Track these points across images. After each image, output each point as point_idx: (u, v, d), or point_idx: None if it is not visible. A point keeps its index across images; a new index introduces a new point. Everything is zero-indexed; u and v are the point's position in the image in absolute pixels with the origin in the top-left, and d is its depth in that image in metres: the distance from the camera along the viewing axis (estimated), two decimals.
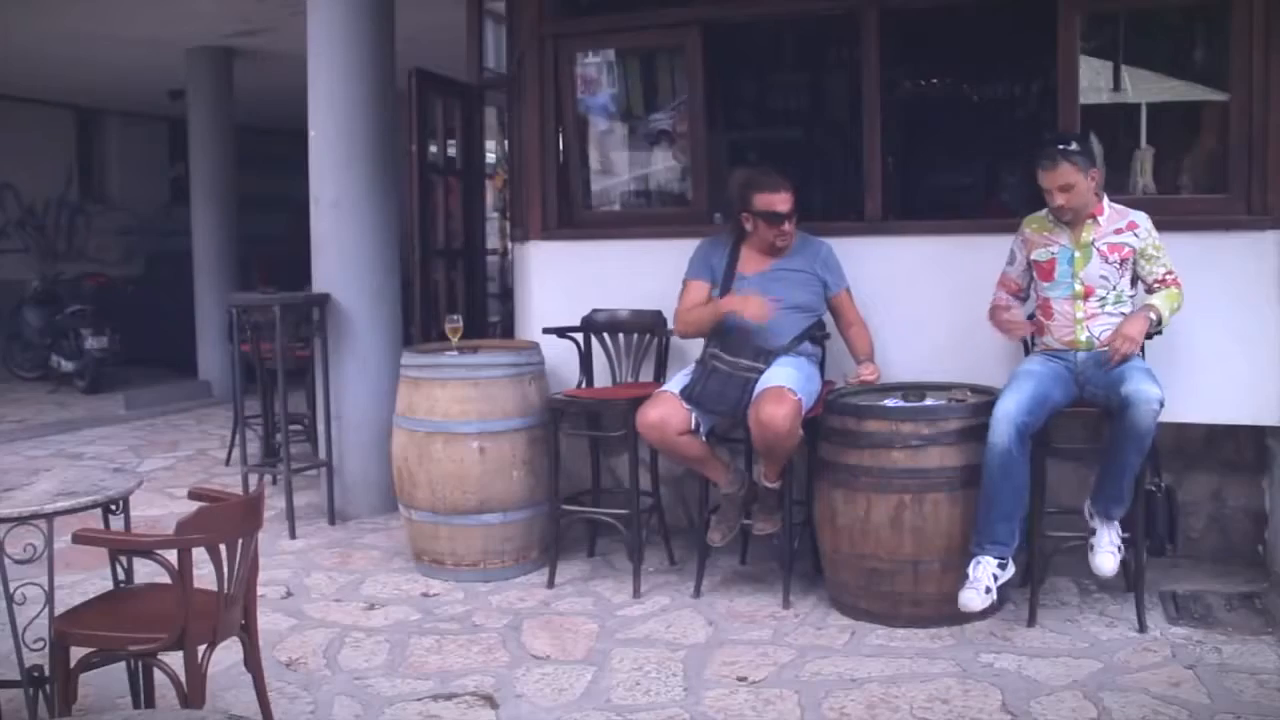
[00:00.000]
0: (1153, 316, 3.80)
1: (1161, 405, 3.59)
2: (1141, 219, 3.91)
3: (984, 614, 3.92)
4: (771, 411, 3.91)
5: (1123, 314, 3.89)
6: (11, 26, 8.39)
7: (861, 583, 3.97)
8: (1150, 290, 3.90)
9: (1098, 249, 3.88)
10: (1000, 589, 3.77)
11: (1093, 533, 3.84)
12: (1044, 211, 3.99)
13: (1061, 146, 3.84)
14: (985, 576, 3.73)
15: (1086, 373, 3.89)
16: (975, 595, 3.71)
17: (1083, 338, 3.91)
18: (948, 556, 3.85)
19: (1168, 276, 3.89)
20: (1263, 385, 4.13)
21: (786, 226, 4.25)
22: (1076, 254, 3.91)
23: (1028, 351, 4.17)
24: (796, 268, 4.31)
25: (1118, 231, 3.89)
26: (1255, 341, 4.13)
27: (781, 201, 4.23)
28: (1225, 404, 4.20)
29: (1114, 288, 3.89)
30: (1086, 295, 3.90)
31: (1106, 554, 3.78)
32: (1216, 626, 3.82)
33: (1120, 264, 3.89)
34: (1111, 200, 3.97)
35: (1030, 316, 4.11)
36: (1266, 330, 4.12)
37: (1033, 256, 4.01)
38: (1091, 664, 3.55)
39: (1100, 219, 3.91)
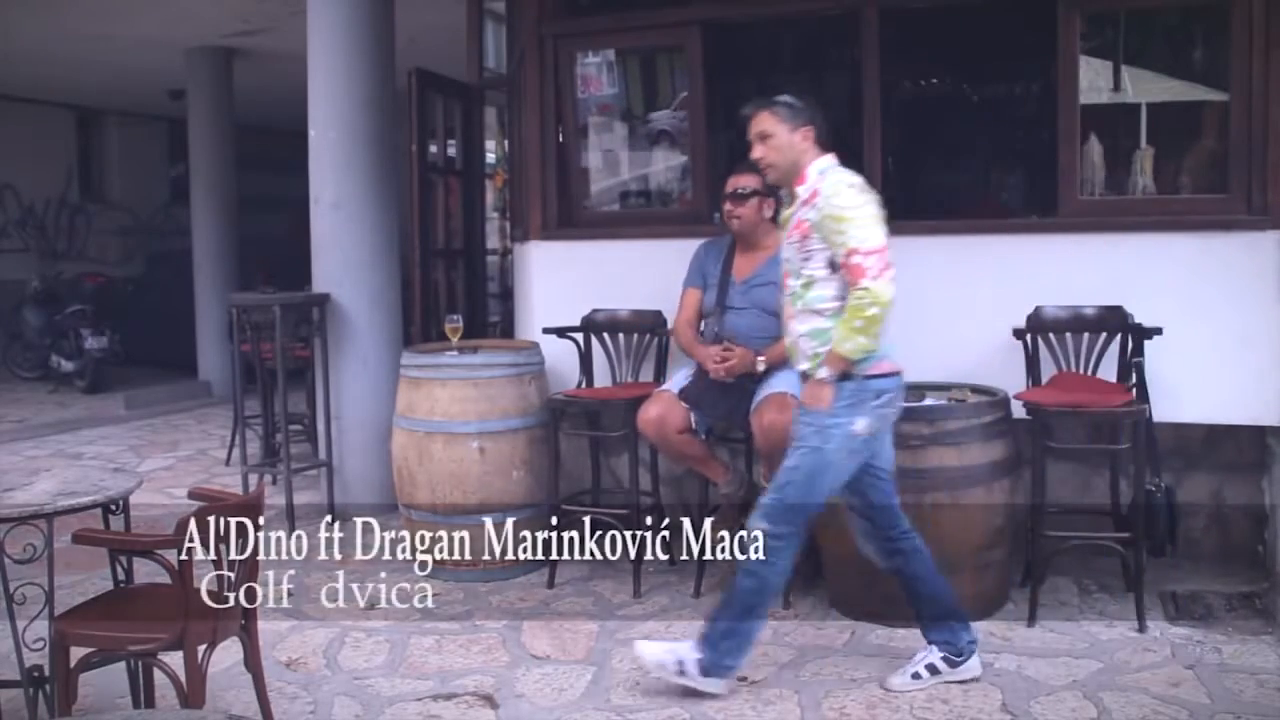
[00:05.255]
0: (825, 375, 3.14)
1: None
2: (827, 185, 3.18)
3: (984, 614, 3.93)
4: (774, 419, 3.91)
5: (820, 316, 3.22)
6: (11, 26, 8.39)
7: (861, 583, 3.97)
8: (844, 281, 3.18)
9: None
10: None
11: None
12: None
13: (770, 99, 3.34)
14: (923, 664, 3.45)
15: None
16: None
17: (788, 341, 3.43)
18: (947, 557, 3.84)
19: (851, 259, 3.07)
20: (1263, 385, 4.13)
21: (729, 206, 4.26)
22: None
23: None
24: (775, 275, 4.24)
25: (804, 204, 3.24)
26: (1255, 341, 4.13)
27: (734, 182, 4.26)
28: (1225, 404, 4.20)
29: (798, 273, 3.26)
30: (785, 284, 3.35)
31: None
32: (1216, 626, 3.82)
33: (800, 242, 3.23)
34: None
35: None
36: (1266, 330, 4.12)
37: None
38: (1091, 664, 3.55)
39: (800, 190, 3.25)
